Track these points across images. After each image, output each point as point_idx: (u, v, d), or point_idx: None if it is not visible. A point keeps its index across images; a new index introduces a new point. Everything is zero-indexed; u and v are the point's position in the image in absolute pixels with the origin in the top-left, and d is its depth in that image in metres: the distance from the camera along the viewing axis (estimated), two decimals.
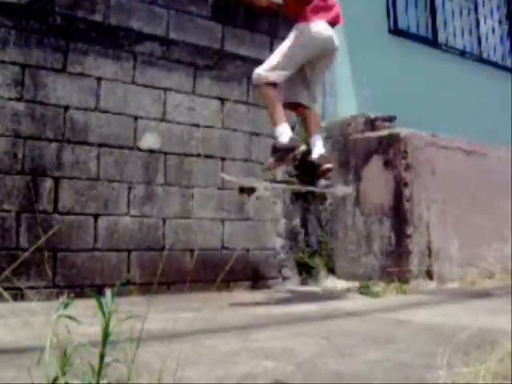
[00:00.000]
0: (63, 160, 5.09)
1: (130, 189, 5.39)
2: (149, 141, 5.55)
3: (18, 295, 4.61)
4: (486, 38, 10.10)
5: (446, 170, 6.35)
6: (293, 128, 5.68)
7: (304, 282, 6.41)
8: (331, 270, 6.53)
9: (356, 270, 6.31)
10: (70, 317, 1.51)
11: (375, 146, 6.31)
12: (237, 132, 6.18)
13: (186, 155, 5.78)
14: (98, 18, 5.47)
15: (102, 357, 1.37)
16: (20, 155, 4.91)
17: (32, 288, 4.71)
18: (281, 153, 4.90)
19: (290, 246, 6.44)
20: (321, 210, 6.70)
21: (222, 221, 5.93)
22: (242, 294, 5.47)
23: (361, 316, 4.21)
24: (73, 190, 5.10)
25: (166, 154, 5.62)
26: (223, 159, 6.03)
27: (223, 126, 6.10)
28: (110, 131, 5.33)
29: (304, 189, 5.67)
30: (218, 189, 5.94)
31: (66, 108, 5.17)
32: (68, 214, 5.04)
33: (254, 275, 6.06)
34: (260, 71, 4.94)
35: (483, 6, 10.17)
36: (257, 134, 6.34)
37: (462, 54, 9.46)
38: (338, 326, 3.68)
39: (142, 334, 1.55)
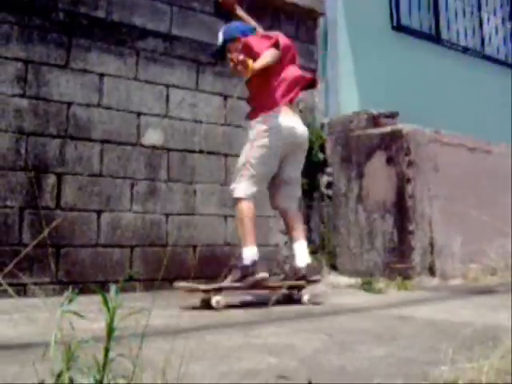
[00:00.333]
0: (66, 156, 5.09)
1: (132, 185, 5.39)
2: (152, 137, 5.55)
3: (21, 291, 4.62)
4: (489, 35, 10.07)
5: (448, 166, 6.34)
6: None
7: None
8: (333, 267, 6.54)
9: (358, 267, 6.31)
10: (74, 312, 1.52)
11: (378, 142, 6.31)
12: (240, 128, 6.16)
13: (188, 151, 5.78)
14: (100, 14, 5.47)
15: (106, 351, 1.38)
16: (23, 151, 4.91)
17: (35, 284, 4.72)
18: (240, 274, 4.46)
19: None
20: (323, 206, 6.70)
21: (225, 217, 5.92)
22: (245, 290, 5.47)
23: (363, 312, 4.22)
24: (76, 186, 5.10)
25: (168, 150, 5.62)
26: (226, 155, 6.03)
27: (226, 123, 6.10)
28: (112, 127, 5.33)
29: (274, 297, 4.34)
30: (221, 185, 5.93)
31: (69, 104, 5.17)
32: (71, 210, 5.05)
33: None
34: (238, 190, 4.64)
35: (486, 4, 10.14)
36: None
37: (465, 50, 9.43)
38: (340, 323, 3.69)
39: (145, 330, 1.55)
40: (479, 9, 9.95)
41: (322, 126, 6.90)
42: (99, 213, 5.20)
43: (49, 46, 5.16)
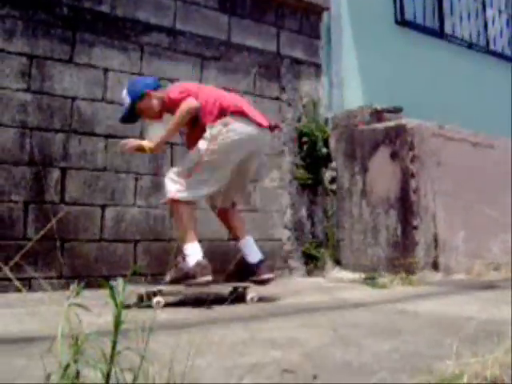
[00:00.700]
0: (70, 151, 5.10)
1: (136, 180, 5.41)
2: (155, 132, 5.55)
3: (26, 285, 4.64)
4: (493, 30, 10.05)
5: (452, 161, 6.34)
6: None
7: (310, 273, 6.42)
8: (337, 261, 6.54)
9: (362, 262, 6.31)
10: (80, 306, 1.52)
11: (382, 137, 6.31)
12: None
13: None
14: (104, 8, 5.47)
15: (114, 344, 1.38)
16: (27, 146, 4.93)
17: (40, 278, 4.73)
18: (182, 274, 4.16)
19: (296, 237, 6.46)
20: (327, 201, 6.70)
21: None
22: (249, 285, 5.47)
23: (367, 307, 4.21)
24: (80, 181, 5.11)
25: (172, 144, 5.61)
26: None
27: None
28: (116, 122, 5.32)
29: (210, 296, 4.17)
30: None
31: (73, 99, 5.19)
32: (75, 204, 5.06)
33: None
34: (176, 191, 4.27)
35: None
36: None
37: (469, 45, 9.42)
38: (344, 317, 3.69)
39: (151, 324, 1.55)
40: (483, 4, 9.92)
41: (326, 120, 6.90)
42: (103, 207, 5.21)
43: (53, 41, 5.18)
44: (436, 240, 6.06)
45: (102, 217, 5.19)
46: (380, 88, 7.40)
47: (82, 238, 5.08)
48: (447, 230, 6.17)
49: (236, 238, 4.68)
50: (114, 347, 1.37)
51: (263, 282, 4.50)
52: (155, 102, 4.49)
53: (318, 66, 7.05)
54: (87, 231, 5.11)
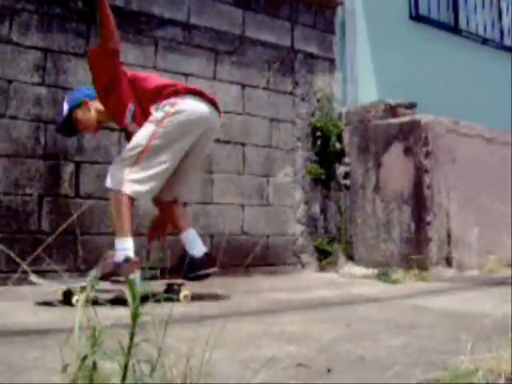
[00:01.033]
0: (85, 145, 5.12)
1: None
2: None
3: (41, 278, 4.65)
4: (508, 26, 9.99)
5: (466, 157, 6.32)
6: None
7: (323, 268, 6.43)
8: (350, 257, 6.54)
9: (375, 257, 6.31)
10: (96, 299, 1.53)
11: (396, 132, 6.29)
12: (257, 118, 6.18)
13: None
14: (119, 2, 5.48)
15: (131, 336, 1.39)
16: (42, 140, 4.95)
17: (54, 271, 4.75)
18: (109, 271, 3.80)
19: (309, 232, 6.46)
20: (340, 196, 6.70)
21: (242, 206, 5.95)
22: (262, 280, 5.50)
23: (380, 302, 4.22)
24: (94, 175, 5.13)
25: None
26: (243, 145, 6.04)
27: (244, 112, 6.10)
28: None
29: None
30: (239, 174, 5.95)
31: None
32: (89, 198, 5.08)
33: (273, 261, 6.08)
34: (119, 182, 3.91)
35: None
36: (277, 120, 6.34)
37: (483, 40, 9.38)
38: (357, 312, 3.70)
39: (166, 318, 1.56)
40: None
41: (340, 115, 6.89)
42: None
43: (67, 35, 5.20)
44: (449, 236, 6.04)
45: None
46: (394, 83, 7.38)
47: (96, 231, 5.10)
48: (461, 226, 6.15)
49: (178, 231, 4.33)
50: (131, 339, 1.38)
51: (206, 277, 4.17)
52: (93, 113, 4.19)
53: (332, 61, 7.03)
54: (101, 224, 5.13)
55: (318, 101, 6.80)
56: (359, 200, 6.57)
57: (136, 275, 3.63)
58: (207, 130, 4.17)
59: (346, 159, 6.71)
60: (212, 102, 4.15)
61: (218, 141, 5.83)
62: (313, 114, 6.69)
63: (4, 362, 2.15)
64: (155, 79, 4.25)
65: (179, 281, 4.02)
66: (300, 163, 6.48)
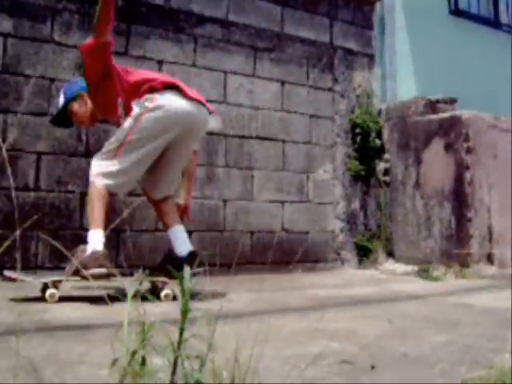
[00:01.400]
0: None
1: None
2: (210, 123, 5.59)
3: None
4: None
5: (507, 152, 6.24)
6: None
7: (362, 265, 6.40)
8: (390, 254, 6.51)
9: (415, 254, 6.27)
10: (143, 293, 1.55)
11: (436, 128, 6.25)
12: (297, 114, 6.18)
13: (246, 137, 5.81)
14: (159, 1, 5.51)
15: (181, 332, 1.40)
16: (84, 137, 5.01)
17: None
18: (77, 265, 3.51)
19: (348, 228, 6.44)
20: (380, 193, 6.67)
21: (282, 203, 5.95)
22: (302, 276, 5.49)
23: (422, 299, 4.20)
24: None
25: (226, 136, 5.66)
26: (283, 141, 6.05)
27: (283, 109, 6.10)
28: None
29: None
30: (278, 171, 5.95)
31: None
32: (130, 195, 5.10)
33: (313, 257, 6.07)
34: (97, 174, 3.86)
35: None
36: (317, 117, 6.33)
37: None
38: (399, 309, 3.68)
39: (215, 313, 1.57)
40: None
41: (379, 111, 6.86)
42: None
43: None
44: (491, 233, 5.99)
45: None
46: (434, 79, 7.33)
47: (137, 228, 5.14)
48: (502, 223, 6.09)
49: (165, 226, 4.19)
50: (181, 334, 1.39)
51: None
52: (89, 106, 4.11)
53: (371, 57, 7.00)
54: (142, 222, 5.17)
55: (358, 97, 6.77)
56: (399, 196, 6.54)
57: (101, 270, 3.58)
58: (190, 126, 4.04)
59: (386, 155, 6.69)
60: (195, 99, 4.02)
61: (257, 138, 5.86)
62: (352, 111, 6.67)
63: (51, 357, 2.19)
64: (138, 73, 4.11)
65: (162, 279, 3.86)
66: (340, 160, 6.46)
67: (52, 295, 3.55)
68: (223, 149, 5.66)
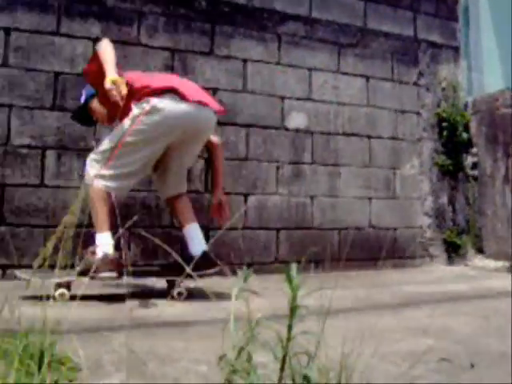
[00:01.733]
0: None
1: (278, 168, 5.48)
2: (295, 120, 5.61)
3: None
4: None
5: None
6: None
7: (451, 261, 6.31)
8: (479, 249, 6.39)
9: (506, 250, 6.13)
10: (250, 290, 1.57)
11: None
12: (382, 109, 6.12)
13: (332, 134, 5.79)
14: (241, 0, 5.55)
15: (289, 328, 1.42)
16: None
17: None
18: (87, 267, 3.54)
19: (437, 224, 6.35)
20: (468, 187, 6.56)
21: (369, 199, 5.91)
22: (390, 273, 5.45)
23: None
24: (223, 170, 5.21)
25: (312, 133, 5.66)
26: (369, 137, 6.00)
27: (368, 104, 6.06)
28: (257, 111, 5.43)
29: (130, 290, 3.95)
30: (365, 167, 5.92)
31: (215, 90, 5.30)
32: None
33: (401, 254, 6.01)
34: (94, 176, 3.81)
35: None
36: (402, 111, 6.26)
37: None
38: (493, 306, 3.62)
39: (323, 310, 1.58)
40: None
41: (466, 105, 6.73)
42: (246, 196, 5.31)
43: (193, 34, 5.31)
44: None
45: (245, 205, 5.29)
46: None
47: (226, 226, 5.19)
48: None
49: (180, 225, 4.15)
50: (289, 331, 1.41)
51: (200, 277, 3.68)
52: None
53: (456, 50, 6.88)
54: (231, 219, 5.22)
55: (443, 90, 6.66)
56: (488, 191, 6.42)
57: (112, 274, 3.62)
58: (191, 129, 3.94)
59: (474, 149, 6.56)
60: (197, 100, 3.89)
61: (343, 134, 5.84)
62: (438, 105, 6.57)
63: (151, 353, 2.24)
64: (145, 79, 3.98)
65: (177, 278, 3.83)
66: (426, 154, 6.37)
67: (62, 294, 3.58)
68: (309, 146, 5.66)
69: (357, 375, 1.55)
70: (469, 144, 6.55)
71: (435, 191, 6.37)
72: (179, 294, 3.82)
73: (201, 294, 3.71)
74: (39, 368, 1.64)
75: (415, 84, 6.45)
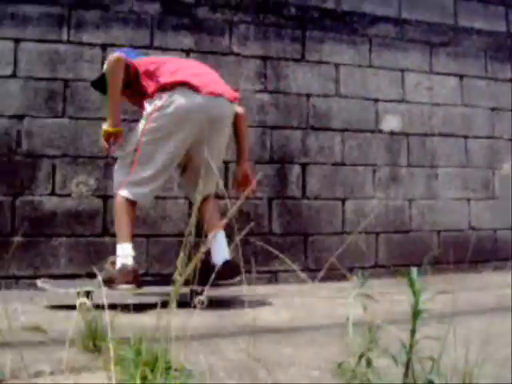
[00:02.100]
0: (309, 146, 5.24)
1: (374, 172, 5.44)
2: (390, 123, 5.56)
3: (273, 278, 4.84)
4: None
5: None
6: None
7: None
8: None
9: None
10: (368, 295, 1.56)
11: None
12: (477, 108, 6.00)
13: (427, 135, 5.72)
14: (330, 5, 5.55)
15: (412, 333, 1.41)
16: (268, 144, 5.12)
17: (286, 271, 4.90)
18: (106, 278, 3.45)
19: None
20: None
21: (468, 200, 5.81)
22: (492, 275, 5.34)
23: None
24: (319, 175, 5.23)
25: (407, 135, 5.60)
26: (465, 137, 5.90)
27: (463, 103, 5.95)
28: (351, 115, 5.41)
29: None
30: (462, 167, 5.82)
31: (308, 96, 5.31)
32: (316, 198, 5.18)
33: (502, 256, 5.87)
34: (118, 183, 3.80)
35: None
36: (498, 109, 6.12)
37: None
38: None
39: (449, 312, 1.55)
40: None
41: None
42: (343, 201, 5.29)
43: (284, 41, 5.34)
44: None
45: (343, 210, 5.28)
46: None
47: (325, 231, 5.19)
48: None
49: (205, 231, 3.72)
50: (412, 336, 1.40)
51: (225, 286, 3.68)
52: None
53: None
54: (329, 224, 5.22)
55: None
56: None
57: (128, 286, 3.56)
58: (209, 121, 3.77)
59: None
60: (210, 92, 3.78)
61: (439, 135, 5.76)
62: None
63: (261, 359, 2.25)
64: (158, 71, 3.85)
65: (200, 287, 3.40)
66: None
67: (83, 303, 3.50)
68: (405, 148, 5.61)
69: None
70: None
71: None
72: (199, 302, 3.66)
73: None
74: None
75: (511, 81, 6.30)
